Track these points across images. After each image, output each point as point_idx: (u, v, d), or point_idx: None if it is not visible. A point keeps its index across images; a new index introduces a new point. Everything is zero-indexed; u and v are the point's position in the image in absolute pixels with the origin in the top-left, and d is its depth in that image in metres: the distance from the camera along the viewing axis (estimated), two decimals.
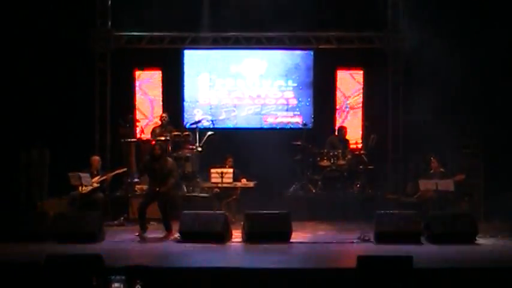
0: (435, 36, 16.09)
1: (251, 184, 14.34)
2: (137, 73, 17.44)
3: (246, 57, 17.48)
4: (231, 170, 14.21)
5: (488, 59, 16.01)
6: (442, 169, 14.82)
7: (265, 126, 17.41)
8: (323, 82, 17.40)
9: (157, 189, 12.62)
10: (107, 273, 8.14)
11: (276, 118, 17.45)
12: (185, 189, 15.38)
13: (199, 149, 15.51)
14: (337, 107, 17.48)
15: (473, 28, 16.11)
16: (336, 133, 16.73)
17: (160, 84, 17.43)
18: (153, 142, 14.84)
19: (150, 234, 12.78)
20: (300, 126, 16.87)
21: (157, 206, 12.76)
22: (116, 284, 7.88)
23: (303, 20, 16.65)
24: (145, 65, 17.42)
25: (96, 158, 14.76)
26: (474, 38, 16.17)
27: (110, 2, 16.89)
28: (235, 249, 11.78)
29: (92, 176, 14.21)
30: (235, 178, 14.36)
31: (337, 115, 17.45)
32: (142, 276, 8.20)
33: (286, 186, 16.05)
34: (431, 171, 14.80)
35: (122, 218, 14.40)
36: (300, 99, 17.44)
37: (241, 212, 13.41)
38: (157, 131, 16.07)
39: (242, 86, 17.45)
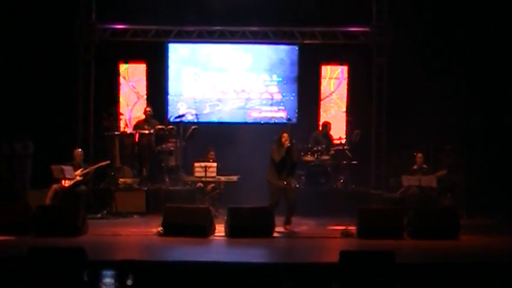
0: (420, 32, 16.15)
1: (235, 178, 14.32)
2: (121, 66, 17.40)
3: (231, 51, 17.43)
4: (214, 164, 14.18)
5: (473, 55, 16.09)
6: (425, 165, 14.87)
7: (249, 121, 17.36)
8: (308, 77, 17.40)
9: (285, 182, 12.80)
10: (98, 267, 8.06)
11: (260, 113, 17.42)
12: (168, 183, 15.44)
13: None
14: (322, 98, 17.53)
15: (459, 24, 16.16)
16: (320, 128, 16.77)
17: (145, 77, 17.39)
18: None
19: (132, 228, 12.76)
20: (284, 121, 16.83)
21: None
22: (108, 279, 7.82)
23: (288, 15, 16.69)
24: (129, 58, 17.36)
25: (79, 150, 14.69)
26: (459, 34, 16.23)
27: None
28: (218, 243, 11.77)
29: (75, 169, 14.16)
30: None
31: (321, 110, 17.48)
32: (133, 271, 8.14)
33: None
34: (415, 167, 14.84)
35: (105, 211, 14.38)
36: (284, 94, 17.42)
37: (224, 206, 13.41)
38: (141, 124, 16.03)
39: (227, 80, 17.39)
